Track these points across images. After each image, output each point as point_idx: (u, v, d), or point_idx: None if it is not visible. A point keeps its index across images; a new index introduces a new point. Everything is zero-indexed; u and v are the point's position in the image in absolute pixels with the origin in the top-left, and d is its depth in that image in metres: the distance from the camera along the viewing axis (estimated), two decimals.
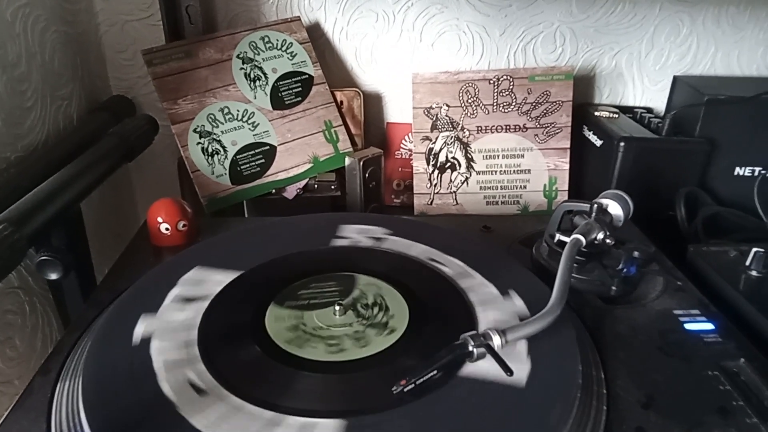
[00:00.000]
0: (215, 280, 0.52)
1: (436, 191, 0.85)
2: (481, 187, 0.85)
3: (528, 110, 0.84)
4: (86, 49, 0.79)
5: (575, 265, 0.53)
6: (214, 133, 0.78)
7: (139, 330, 0.45)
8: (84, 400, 0.38)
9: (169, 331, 0.45)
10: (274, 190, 0.81)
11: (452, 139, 0.84)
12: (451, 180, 0.85)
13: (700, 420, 0.39)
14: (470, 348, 0.39)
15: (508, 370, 0.37)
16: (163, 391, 0.39)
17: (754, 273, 0.55)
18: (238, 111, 0.80)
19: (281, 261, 0.55)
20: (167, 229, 0.60)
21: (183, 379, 0.40)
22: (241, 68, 0.81)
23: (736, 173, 0.77)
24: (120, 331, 0.45)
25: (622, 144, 0.75)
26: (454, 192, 0.85)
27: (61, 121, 0.71)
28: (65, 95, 0.73)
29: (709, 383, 0.43)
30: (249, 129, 0.80)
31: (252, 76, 0.81)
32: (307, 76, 0.84)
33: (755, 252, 0.56)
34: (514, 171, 0.85)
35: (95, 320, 0.49)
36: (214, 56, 0.80)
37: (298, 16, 0.84)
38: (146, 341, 0.44)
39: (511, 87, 0.83)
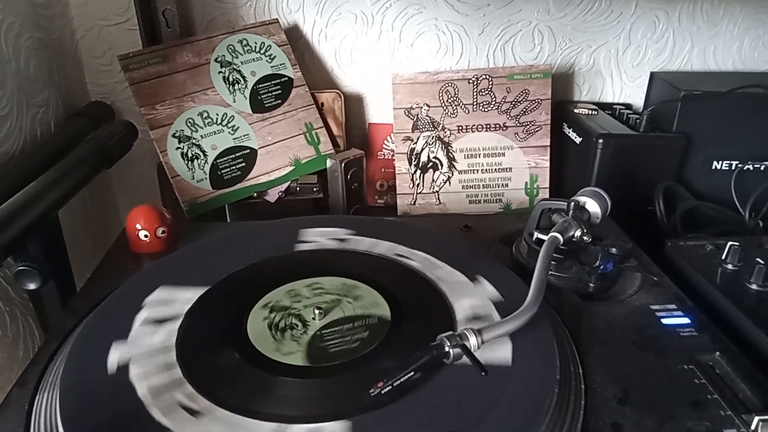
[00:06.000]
0: (183, 299, 0.50)
1: (418, 191, 0.85)
2: (463, 186, 0.85)
3: (507, 109, 0.84)
4: (62, 55, 0.79)
5: (553, 262, 0.53)
6: (194, 138, 0.78)
7: (114, 358, 0.43)
8: (62, 413, 0.38)
9: (146, 356, 0.43)
10: (255, 194, 0.81)
11: (433, 139, 0.84)
12: (433, 180, 0.85)
13: (674, 413, 0.40)
14: (446, 348, 0.39)
15: (483, 371, 0.37)
16: (154, 418, 0.38)
17: (729, 267, 0.56)
18: (217, 115, 0.79)
19: (246, 271, 0.54)
20: (146, 235, 0.60)
21: (173, 402, 0.39)
22: (220, 72, 0.80)
23: (713, 167, 0.78)
24: (92, 363, 0.43)
25: (600, 141, 0.75)
26: (437, 192, 0.85)
27: (38, 128, 0.71)
28: (42, 102, 0.72)
29: (684, 377, 0.43)
30: (229, 133, 0.80)
31: (231, 79, 0.81)
32: (286, 78, 0.83)
33: (730, 246, 0.57)
34: (495, 169, 0.85)
35: (73, 330, 0.49)
36: (192, 60, 0.79)
37: (276, 19, 0.84)
38: (123, 369, 0.42)
39: (490, 86, 0.84)
